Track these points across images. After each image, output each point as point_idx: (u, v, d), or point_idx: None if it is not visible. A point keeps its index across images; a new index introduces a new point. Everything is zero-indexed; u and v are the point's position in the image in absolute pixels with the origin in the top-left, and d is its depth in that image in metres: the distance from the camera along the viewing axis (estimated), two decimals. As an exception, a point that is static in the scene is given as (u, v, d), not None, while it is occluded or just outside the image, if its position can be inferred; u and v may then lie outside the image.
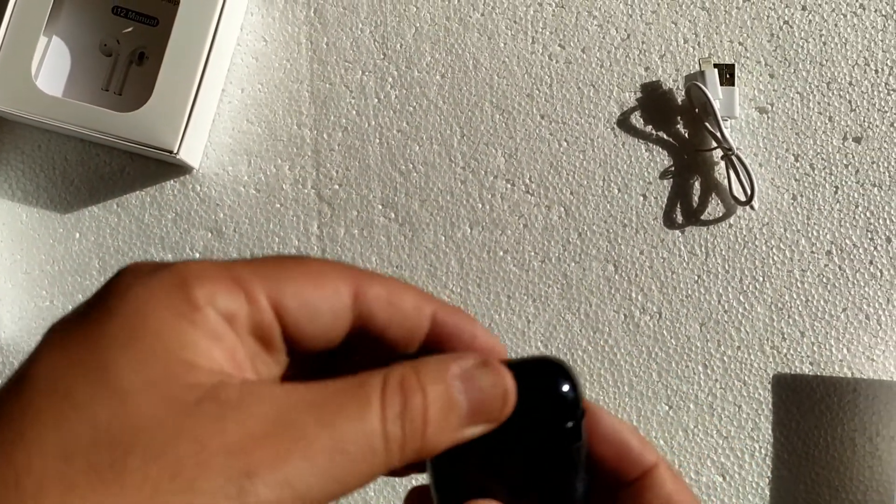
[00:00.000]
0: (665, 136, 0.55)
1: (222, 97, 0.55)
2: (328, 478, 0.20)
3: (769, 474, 0.52)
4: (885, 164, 0.54)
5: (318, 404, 0.20)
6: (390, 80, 0.55)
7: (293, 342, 0.23)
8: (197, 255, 0.54)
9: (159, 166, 0.55)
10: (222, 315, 0.21)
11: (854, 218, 0.54)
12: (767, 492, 0.52)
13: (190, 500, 0.18)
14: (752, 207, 0.53)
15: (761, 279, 0.53)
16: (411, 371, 0.22)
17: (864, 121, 0.54)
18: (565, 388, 0.24)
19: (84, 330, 0.20)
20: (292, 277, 0.22)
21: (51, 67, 0.54)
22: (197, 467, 0.19)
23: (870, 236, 0.53)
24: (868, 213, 0.54)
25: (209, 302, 0.21)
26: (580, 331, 0.53)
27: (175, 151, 0.50)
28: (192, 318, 0.21)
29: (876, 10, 0.55)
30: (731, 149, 0.53)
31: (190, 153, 0.52)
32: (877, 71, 0.55)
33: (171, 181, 0.54)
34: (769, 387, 0.53)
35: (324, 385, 0.21)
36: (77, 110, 0.50)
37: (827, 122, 0.54)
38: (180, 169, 0.54)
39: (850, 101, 0.54)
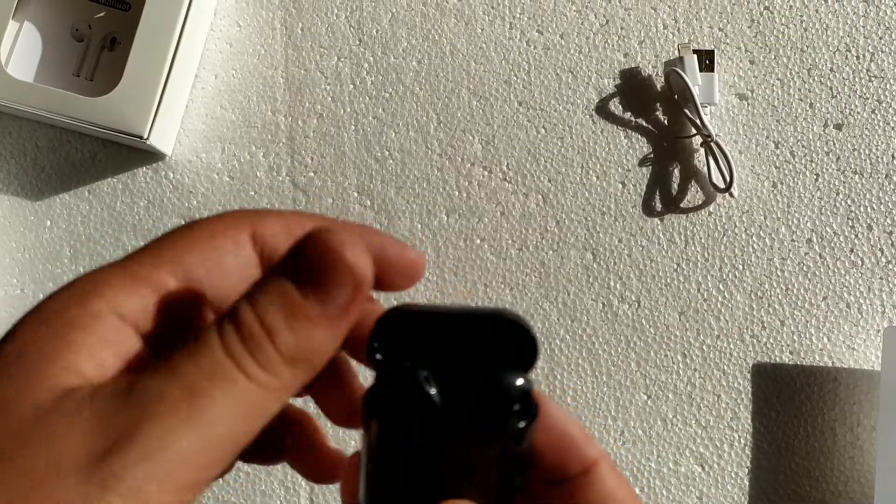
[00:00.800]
0: (644, 123, 0.54)
1: (195, 83, 0.54)
2: (216, 435, 0.20)
3: (748, 464, 0.52)
4: (867, 152, 0.53)
5: (165, 364, 0.20)
6: (366, 66, 0.55)
7: (220, 304, 0.23)
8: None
9: (131, 153, 0.54)
10: (124, 318, 0.21)
11: (835, 206, 0.53)
12: (747, 482, 0.52)
13: None
14: (731, 195, 0.53)
15: (741, 267, 0.53)
16: (242, 297, 0.21)
17: (845, 107, 0.54)
18: (519, 382, 0.23)
19: None
20: (190, 247, 0.23)
21: (22, 53, 0.54)
22: (51, 475, 0.19)
23: (850, 224, 0.53)
24: (849, 201, 0.53)
25: (112, 309, 0.21)
26: (558, 319, 0.53)
27: (145, 137, 0.49)
28: (85, 327, 0.21)
29: (857, -4, 0.54)
30: (710, 135, 0.52)
31: (161, 139, 0.51)
32: (858, 57, 0.54)
33: (144, 168, 0.54)
34: (749, 376, 0.52)
35: (169, 353, 0.21)
36: (47, 95, 0.49)
37: (808, 108, 0.54)
38: (152, 156, 0.53)
39: (831, 88, 0.54)
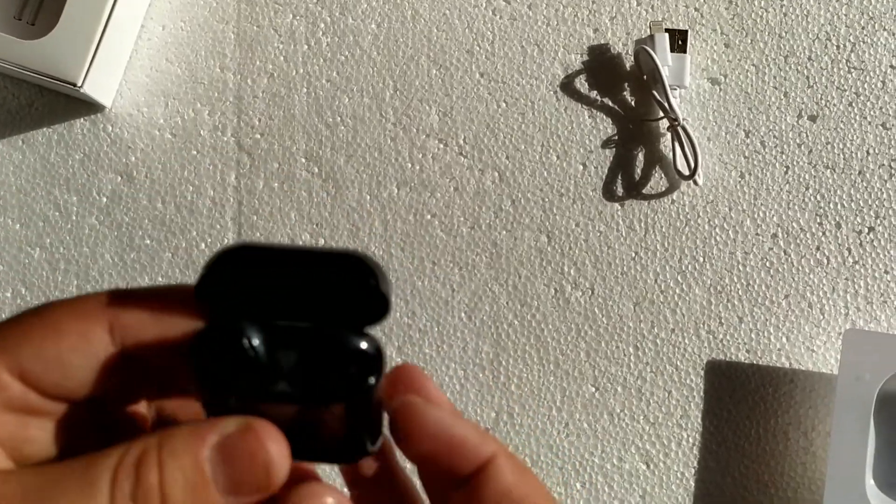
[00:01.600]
0: (610, 103, 0.52)
1: (141, 33, 0.51)
2: None
3: (696, 465, 0.49)
4: (840, 146, 0.51)
5: (40, 488, 0.19)
6: (322, 26, 0.52)
7: (63, 397, 0.21)
8: (104, 200, 0.51)
9: (69, 103, 0.51)
10: None
11: (803, 200, 0.51)
12: (693, 483, 0.49)
13: None
14: (695, 182, 0.50)
15: (701, 259, 0.50)
16: (154, 445, 0.20)
17: (821, 98, 0.51)
18: (363, 344, 0.20)
19: None
20: (29, 338, 0.21)
21: (-41, -9, 0.51)
22: None
23: (818, 221, 0.51)
24: (818, 196, 0.51)
25: None
26: (507, 303, 0.50)
27: (79, 85, 0.46)
28: None
29: (841, -17, 0.52)
30: (677, 120, 0.50)
31: (99, 89, 0.49)
32: (838, 47, 0.52)
33: (81, 119, 0.51)
34: (702, 373, 0.50)
35: (52, 467, 0.20)
36: (-21, 36, 0.47)
37: (782, 97, 0.51)
38: (91, 107, 0.51)
39: (807, 77, 0.51)
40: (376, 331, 0.21)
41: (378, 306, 0.20)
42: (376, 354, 0.20)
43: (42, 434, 0.22)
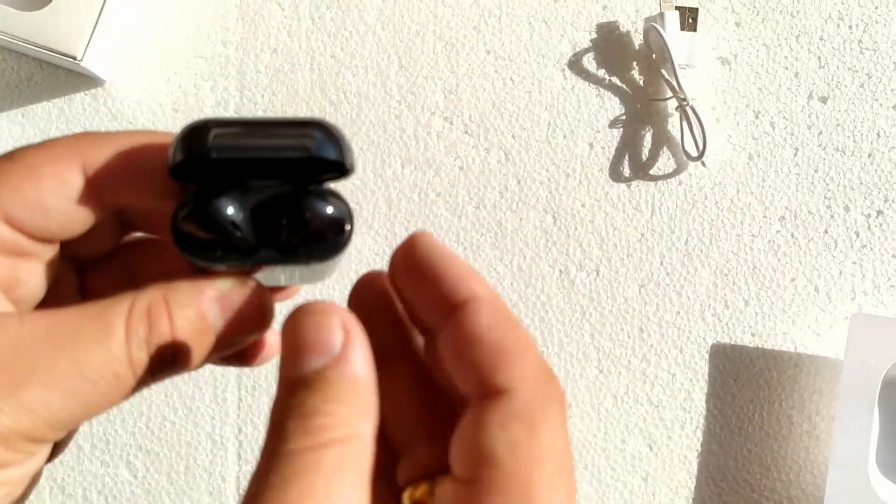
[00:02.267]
0: (618, 82, 0.51)
1: (143, 7, 0.50)
2: (72, 402, 0.20)
3: (699, 447, 0.49)
4: (851, 128, 0.50)
5: (56, 332, 0.20)
6: (326, 0, 0.51)
7: (46, 238, 0.22)
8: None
9: (70, 77, 0.50)
10: None
11: (812, 183, 0.50)
12: (695, 465, 0.49)
13: None
14: (703, 164, 0.50)
15: (708, 242, 0.50)
16: (160, 296, 0.21)
17: (832, 80, 0.50)
18: (333, 209, 0.21)
19: None
20: (8, 183, 0.21)
21: (-43, -39, 0.50)
22: None
23: (827, 203, 0.50)
24: (828, 179, 0.50)
25: None
26: (511, 284, 0.50)
27: (79, 58, 0.46)
28: None
29: (855, -39, 0.51)
30: (685, 99, 0.49)
31: (100, 64, 0.48)
32: (850, 27, 0.51)
33: (82, 94, 0.50)
34: (706, 356, 0.50)
35: (65, 311, 0.21)
36: (-22, 8, 0.46)
37: (793, 78, 0.51)
38: (92, 81, 0.50)
39: (819, 58, 0.51)
40: (343, 187, 0.22)
41: (343, 163, 0.22)
42: (348, 213, 0.22)
43: (30, 276, 0.23)
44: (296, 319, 0.20)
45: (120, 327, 0.21)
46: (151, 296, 0.21)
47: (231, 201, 0.21)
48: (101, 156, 0.22)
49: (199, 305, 0.22)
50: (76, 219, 0.22)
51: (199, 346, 0.22)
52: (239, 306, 0.22)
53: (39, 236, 0.22)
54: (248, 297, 0.22)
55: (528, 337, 0.21)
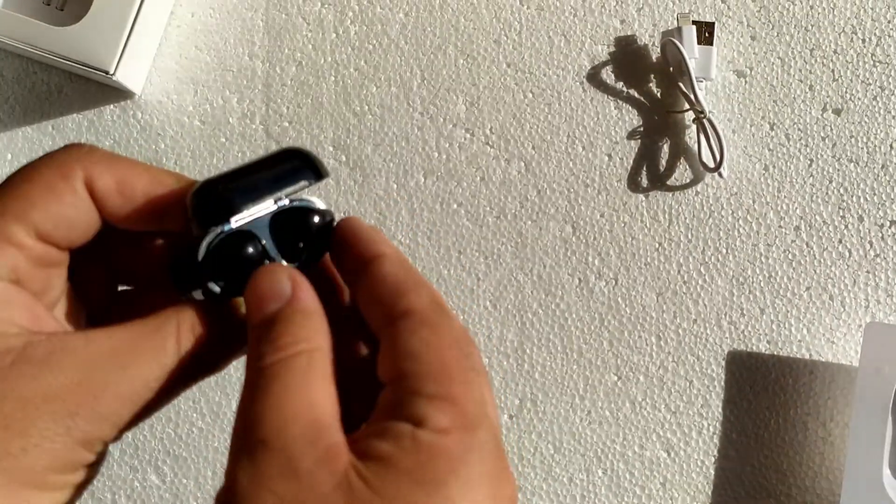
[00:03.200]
0: (636, 95, 0.52)
1: (170, 20, 0.52)
2: (136, 409, 0.24)
3: (716, 453, 0.50)
4: (864, 139, 0.51)
5: (119, 350, 0.24)
6: (350, 14, 0.52)
7: (69, 246, 0.25)
8: (134, 187, 0.51)
9: (99, 89, 0.51)
10: (7, 280, 0.24)
11: (826, 193, 0.51)
12: (712, 471, 0.50)
13: (24, 443, 0.22)
14: (720, 175, 0.51)
15: (724, 251, 0.51)
16: (197, 315, 0.25)
17: (845, 92, 0.51)
18: (318, 218, 0.26)
19: None
20: (33, 202, 0.24)
21: (-11, -24, 0.51)
22: (25, 418, 0.22)
23: (841, 214, 0.51)
24: (841, 190, 0.51)
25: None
26: (531, 292, 0.51)
27: (112, 72, 0.47)
28: None
29: (868, -24, 0.52)
30: (703, 112, 0.50)
31: (130, 77, 0.49)
32: (864, 40, 0.52)
33: (111, 106, 0.51)
34: (723, 363, 0.51)
35: (122, 330, 0.24)
36: (13, 23, 0.47)
37: (807, 90, 0.52)
38: (121, 93, 0.51)
39: (833, 71, 0.52)
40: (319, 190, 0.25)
41: (316, 170, 0.26)
42: (331, 219, 0.27)
43: (58, 282, 0.26)
44: (253, 280, 0.25)
45: (172, 343, 0.24)
46: (191, 316, 0.25)
47: (251, 237, 0.25)
48: (100, 179, 0.25)
49: (227, 320, 0.26)
50: (91, 226, 0.25)
51: (228, 352, 0.26)
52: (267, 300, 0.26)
53: (65, 246, 0.25)
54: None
55: (423, 278, 0.25)
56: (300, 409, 0.22)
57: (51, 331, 0.24)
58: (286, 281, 0.25)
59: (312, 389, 0.23)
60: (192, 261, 0.25)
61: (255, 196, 0.25)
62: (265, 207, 0.26)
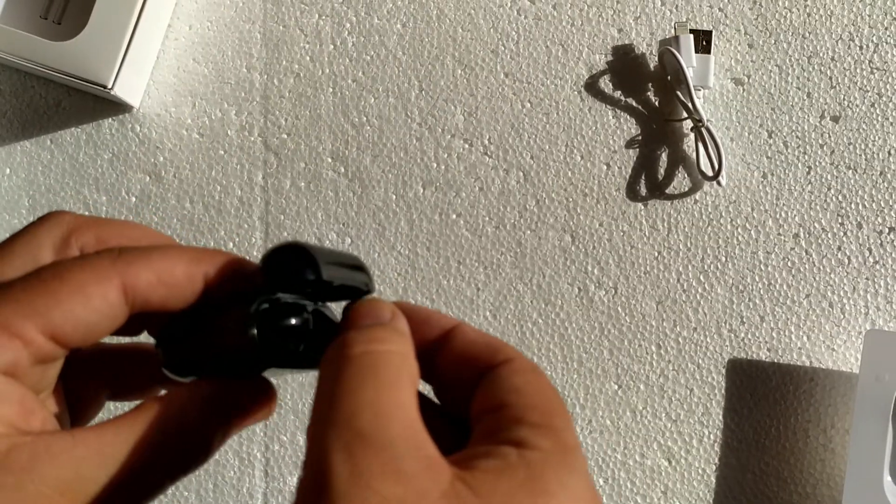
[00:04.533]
0: (634, 104, 0.52)
1: (168, 33, 0.52)
2: None
3: (717, 461, 0.50)
4: (862, 146, 0.51)
5: (105, 451, 0.22)
6: (348, 25, 0.52)
7: (75, 346, 0.24)
8: (133, 200, 0.51)
9: (97, 103, 0.51)
10: (2, 373, 0.22)
11: (825, 201, 0.51)
12: (713, 479, 0.50)
13: None
14: (719, 183, 0.51)
15: (724, 259, 0.51)
16: (189, 405, 0.24)
17: (843, 99, 0.52)
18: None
19: None
20: (58, 300, 0.23)
21: (-14, -10, 0.51)
22: None
23: (840, 221, 0.51)
24: (840, 197, 0.51)
25: None
26: (531, 302, 0.51)
27: (110, 86, 0.47)
28: None
29: (865, -17, 0.52)
30: (701, 120, 0.50)
31: (128, 90, 0.49)
32: (861, 47, 0.52)
33: (109, 119, 0.51)
34: (723, 371, 0.51)
35: (109, 429, 0.23)
36: (10, 37, 0.47)
37: (805, 98, 0.52)
38: (119, 107, 0.51)
39: (830, 78, 0.52)
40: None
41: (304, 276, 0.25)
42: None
43: (54, 373, 0.25)
44: (358, 304, 0.25)
45: (159, 440, 0.23)
46: (180, 406, 0.24)
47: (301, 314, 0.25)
48: (140, 278, 0.24)
49: (222, 406, 0.25)
50: (108, 329, 0.24)
51: (221, 438, 0.25)
52: (253, 402, 0.25)
53: (72, 346, 0.24)
54: (260, 393, 0.26)
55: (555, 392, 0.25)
56: (397, 409, 0.22)
57: (39, 428, 0.23)
58: (388, 309, 0.25)
59: (405, 392, 0.22)
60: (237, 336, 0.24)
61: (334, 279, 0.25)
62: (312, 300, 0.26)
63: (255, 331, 0.24)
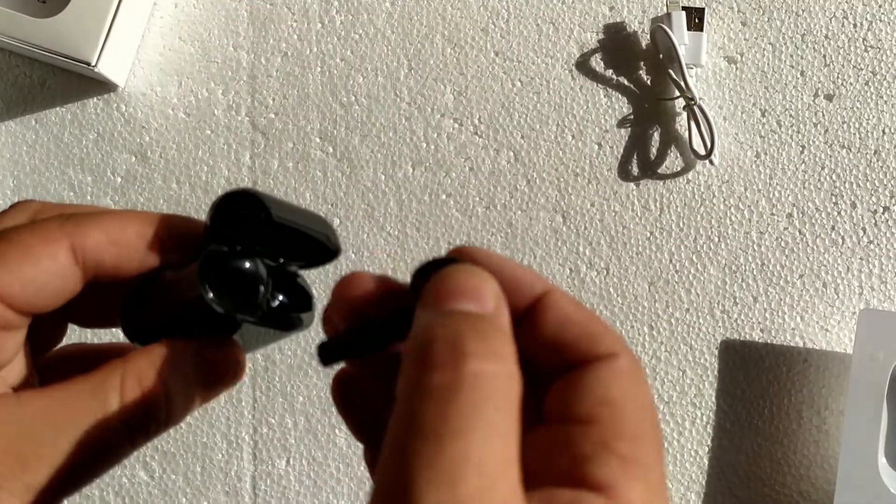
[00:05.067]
0: (626, 82, 0.51)
1: (153, 11, 0.51)
2: (75, 474, 0.22)
3: (709, 443, 0.50)
4: (856, 125, 0.51)
5: (54, 411, 0.22)
6: (336, 3, 0.51)
7: (31, 312, 0.24)
8: (119, 180, 0.51)
9: (82, 82, 0.51)
10: None
11: (819, 180, 0.51)
12: (706, 461, 0.50)
13: None
14: (711, 162, 0.50)
15: (716, 239, 0.50)
16: (147, 364, 0.23)
17: (837, 77, 0.51)
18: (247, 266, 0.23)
19: None
20: (5, 262, 0.23)
21: (-31, -32, 0.50)
22: None
23: (834, 200, 0.50)
24: (834, 176, 0.51)
25: None
26: (522, 283, 0.50)
27: (93, 64, 0.46)
28: None
29: (859, -40, 0.51)
30: (693, 98, 0.49)
31: (113, 69, 0.48)
32: (855, 25, 0.51)
33: (95, 99, 0.51)
34: (716, 352, 0.50)
35: (60, 389, 0.22)
36: (-8, 15, 0.46)
37: (798, 76, 0.51)
38: (104, 86, 0.50)
39: (824, 56, 0.51)
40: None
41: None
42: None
43: (11, 345, 0.24)
44: (454, 271, 0.21)
45: (115, 400, 0.23)
46: (139, 365, 0.23)
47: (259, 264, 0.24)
48: (88, 238, 0.24)
49: (185, 367, 0.24)
50: (62, 293, 0.24)
51: (185, 404, 0.24)
52: (219, 364, 0.24)
53: (26, 311, 0.24)
54: (226, 354, 0.25)
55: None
56: (507, 469, 0.18)
57: None
58: (492, 288, 0.21)
59: (513, 440, 0.19)
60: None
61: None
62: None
63: (203, 281, 0.23)
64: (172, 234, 0.24)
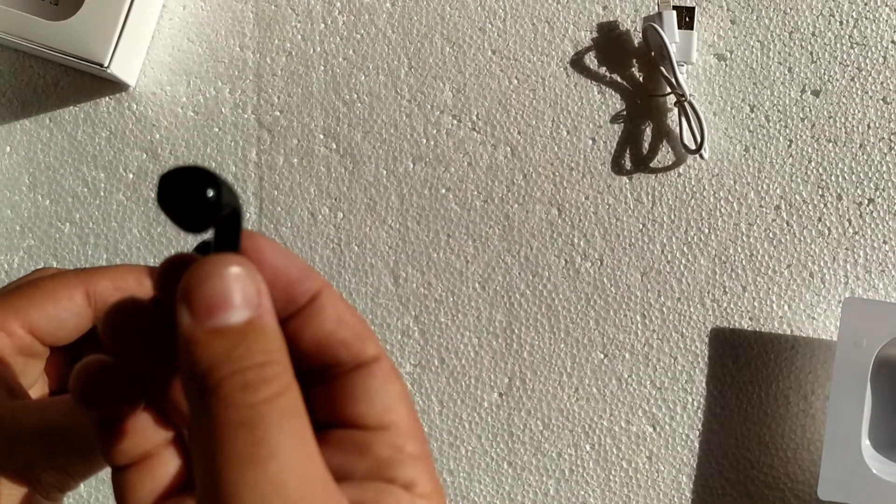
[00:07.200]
0: (619, 80, 0.53)
1: (162, 13, 0.53)
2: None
3: (700, 427, 0.52)
4: (843, 120, 0.52)
5: (51, 425, 0.28)
6: (338, 4, 0.53)
7: (52, 343, 0.31)
8: (131, 176, 0.53)
9: (94, 82, 0.53)
10: None
11: (806, 173, 0.52)
12: (697, 444, 0.52)
13: None
14: (701, 157, 0.52)
15: (707, 231, 0.52)
16: None
17: (824, 73, 0.53)
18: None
19: None
20: (34, 302, 0.30)
21: (-15, -28, 0.52)
22: None
23: (820, 193, 0.52)
24: (820, 169, 0.52)
25: None
26: (519, 274, 0.52)
27: (106, 65, 0.48)
28: None
29: (845, -41, 0.53)
30: (684, 95, 0.51)
31: (125, 69, 0.50)
32: (841, 23, 0.53)
33: (106, 98, 0.53)
34: (706, 340, 0.52)
35: (57, 404, 0.29)
36: (7, 17, 0.48)
37: (786, 72, 0.53)
38: (116, 86, 0.52)
39: (811, 53, 0.53)
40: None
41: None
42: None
43: (35, 371, 0.31)
44: (203, 273, 0.20)
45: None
46: None
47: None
48: (98, 285, 0.31)
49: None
50: (77, 328, 0.31)
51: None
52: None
53: (49, 342, 0.31)
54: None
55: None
56: (312, 467, 0.20)
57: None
58: (255, 283, 0.20)
59: (311, 434, 0.21)
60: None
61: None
62: None
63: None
64: (167, 272, 0.25)
